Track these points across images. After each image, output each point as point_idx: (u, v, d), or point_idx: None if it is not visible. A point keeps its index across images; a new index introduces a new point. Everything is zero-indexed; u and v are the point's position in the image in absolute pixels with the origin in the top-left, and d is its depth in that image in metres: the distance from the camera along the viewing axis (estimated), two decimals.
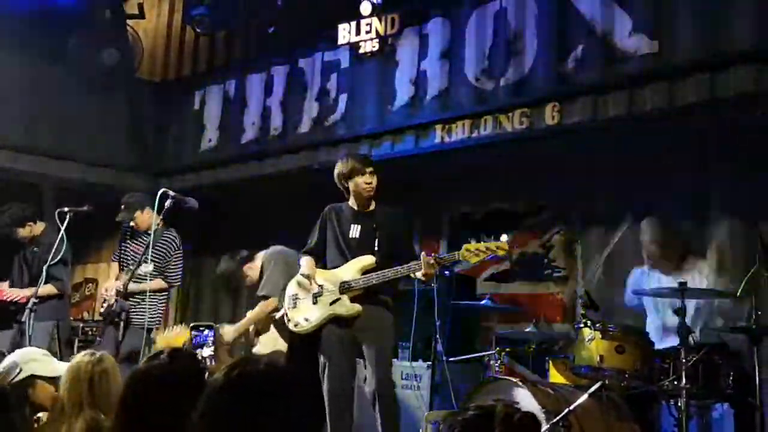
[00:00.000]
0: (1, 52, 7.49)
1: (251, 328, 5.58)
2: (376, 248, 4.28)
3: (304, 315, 4.34)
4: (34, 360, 3.15)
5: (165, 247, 5.67)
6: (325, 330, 4.28)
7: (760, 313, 3.81)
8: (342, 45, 6.77)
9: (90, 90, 8.02)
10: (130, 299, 5.28)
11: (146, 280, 5.44)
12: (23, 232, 5.93)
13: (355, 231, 4.38)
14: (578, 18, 5.31)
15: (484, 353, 5.01)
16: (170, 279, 5.78)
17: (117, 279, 5.72)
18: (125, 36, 8.36)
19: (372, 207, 4.47)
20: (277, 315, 4.76)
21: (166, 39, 9.02)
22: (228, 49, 8.35)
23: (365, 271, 4.25)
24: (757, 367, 3.80)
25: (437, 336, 5.42)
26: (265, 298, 5.34)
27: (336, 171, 4.57)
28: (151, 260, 5.36)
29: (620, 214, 5.70)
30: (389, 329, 4.41)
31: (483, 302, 5.27)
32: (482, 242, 4.03)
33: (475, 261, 4.04)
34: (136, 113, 8.43)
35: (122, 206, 5.76)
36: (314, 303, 4.31)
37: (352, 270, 4.29)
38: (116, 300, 4.98)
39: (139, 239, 5.78)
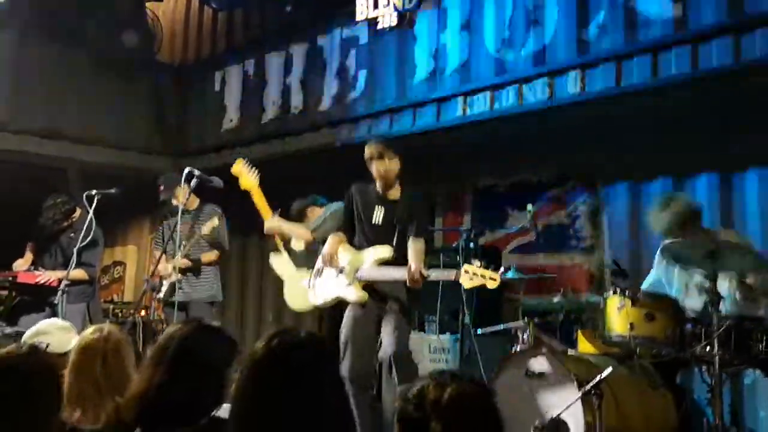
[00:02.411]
0: (23, 37, 7.55)
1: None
2: (394, 243, 4.26)
3: (321, 290, 4.44)
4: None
5: (211, 218, 5.67)
6: (348, 308, 4.34)
7: None
8: (360, 21, 6.74)
9: (111, 74, 8.08)
10: (187, 275, 5.34)
11: (203, 250, 5.51)
12: (66, 222, 5.98)
13: (378, 216, 4.34)
14: None
15: (512, 324, 4.99)
16: (223, 246, 5.82)
17: (157, 262, 5.69)
18: (144, 19, 8.39)
19: (397, 191, 4.38)
20: (303, 283, 4.79)
21: (185, 21, 9.04)
22: (246, 29, 8.35)
23: (381, 263, 4.26)
24: None
25: (464, 308, 5.44)
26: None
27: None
28: (199, 235, 5.45)
29: (646, 182, 5.65)
30: (405, 301, 4.38)
31: (509, 273, 5.23)
32: (481, 266, 3.93)
33: (467, 286, 3.92)
34: (158, 96, 8.50)
35: (161, 186, 5.80)
36: (332, 281, 4.37)
37: (369, 258, 4.31)
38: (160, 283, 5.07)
39: (183, 217, 5.81)
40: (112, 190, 5.40)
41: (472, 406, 1.81)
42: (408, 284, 4.07)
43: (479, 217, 6.83)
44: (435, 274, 4.08)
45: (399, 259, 4.18)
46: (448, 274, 4.03)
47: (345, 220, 4.53)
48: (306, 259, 5.32)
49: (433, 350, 5.79)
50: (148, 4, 8.52)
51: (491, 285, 3.89)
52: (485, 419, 1.82)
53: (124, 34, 8.05)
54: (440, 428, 1.73)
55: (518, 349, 4.73)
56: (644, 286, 4.50)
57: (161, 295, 5.46)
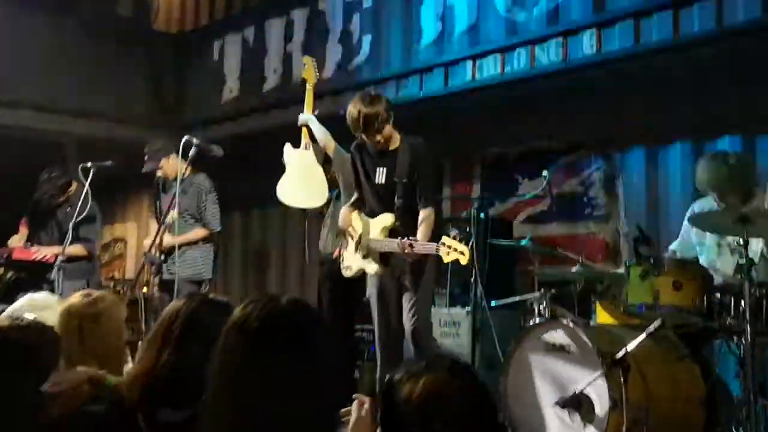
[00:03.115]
0: (14, 7, 7.29)
1: None
2: (396, 207, 4.02)
3: (348, 262, 4.22)
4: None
5: (196, 192, 5.40)
6: (368, 279, 4.14)
7: None
8: None
9: (107, 44, 7.83)
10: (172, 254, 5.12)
11: (186, 228, 5.22)
12: (62, 197, 5.76)
13: (380, 175, 4.08)
14: None
15: (527, 296, 4.79)
16: (210, 225, 5.47)
17: (155, 236, 5.49)
18: None
19: (396, 144, 4.06)
20: (336, 252, 4.60)
21: None
22: None
23: (386, 232, 4.04)
24: None
25: (476, 280, 5.25)
26: None
27: None
28: (184, 210, 5.14)
29: (664, 147, 5.43)
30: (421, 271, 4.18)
31: (522, 243, 5.03)
32: (454, 240, 3.72)
33: (446, 261, 3.74)
34: (156, 66, 8.25)
35: (146, 156, 5.53)
36: (355, 251, 4.17)
37: (377, 228, 4.10)
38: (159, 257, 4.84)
39: (172, 189, 5.59)
40: (108, 163, 5.17)
41: (453, 399, 1.60)
42: (403, 256, 3.89)
43: (489, 187, 6.61)
44: (419, 248, 3.83)
45: (407, 222, 3.96)
46: (429, 248, 3.81)
47: (355, 186, 4.30)
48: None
49: (444, 324, 5.61)
50: None
51: (463, 261, 3.69)
52: (472, 414, 1.61)
53: (119, 3, 7.80)
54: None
55: (536, 322, 4.55)
56: (673, 246, 4.29)
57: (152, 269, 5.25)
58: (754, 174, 4.20)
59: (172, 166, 5.40)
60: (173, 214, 4.88)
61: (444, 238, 3.73)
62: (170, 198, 5.15)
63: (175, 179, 5.33)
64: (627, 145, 5.73)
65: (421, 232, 3.91)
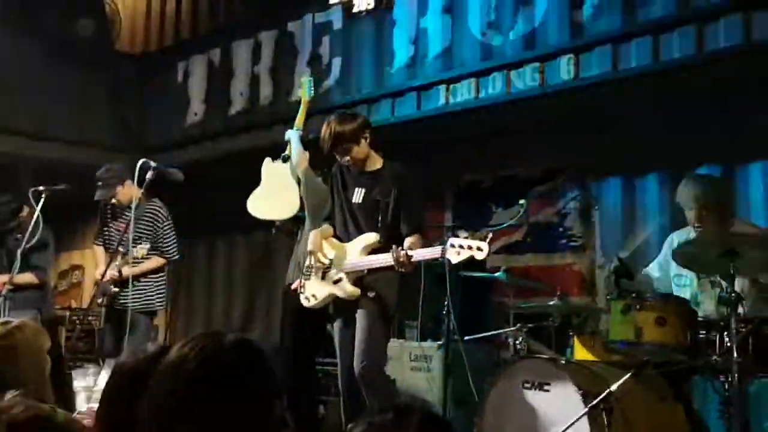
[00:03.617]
0: None
1: None
2: (379, 219, 3.77)
3: (313, 291, 3.90)
4: None
5: (151, 219, 5.11)
6: (333, 305, 3.88)
7: None
8: (333, 5, 6.33)
9: (67, 64, 7.54)
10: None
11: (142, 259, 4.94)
12: (13, 222, 5.43)
13: (358, 195, 3.85)
14: None
15: (503, 330, 4.58)
16: (166, 253, 5.19)
17: (108, 264, 5.20)
18: (101, 5, 7.87)
19: (377, 165, 3.87)
20: (294, 285, 4.31)
21: (146, 9, 8.53)
22: (212, 16, 7.87)
23: (370, 251, 3.76)
24: None
25: (449, 312, 5.04)
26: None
27: None
28: (138, 237, 4.87)
29: (643, 176, 5.29)
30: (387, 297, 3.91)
31: (497, 275, 4.83)
32: (467, 238, 3.49)
33: (455, 262, 3.46)
34: (117, 88, 7.96)
35: (99, 183, 5.23)
36: (322, 279, 3.87)
37: (356, 248, 3.81)
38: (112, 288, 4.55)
39: (124, 217, 5.30)
40: (61, 186, 4.88)
41: None
42: (397, 269, 3.57)
43: (461, 215, 6.42)
44: (419, 254, 3.57)
45: (390, 243, 3.65)
46: (433, 252, 3.56)
47: (331, 207, 4.05)
48: None
49: (415, 358, 5.37)
50: None
51: (479, 255, 3.41)
52: None
53: (79, 22, 7.53)
54: None
55: (511, 357, 4.34)
56: (651, 271, 4.11)
57: (100, 300, 4.95)
58: (731, 195, 4.06)
59: (128, 192, 5.16)
60: (141, 248, 4.63)
61: (452, 239, 3.45)
62: (123, 225, 4.94)
63: (129, 206, 5.10)
64: (604, 174, 5.58)
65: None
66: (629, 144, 5.30)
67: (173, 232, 5.26)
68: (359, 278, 3.76)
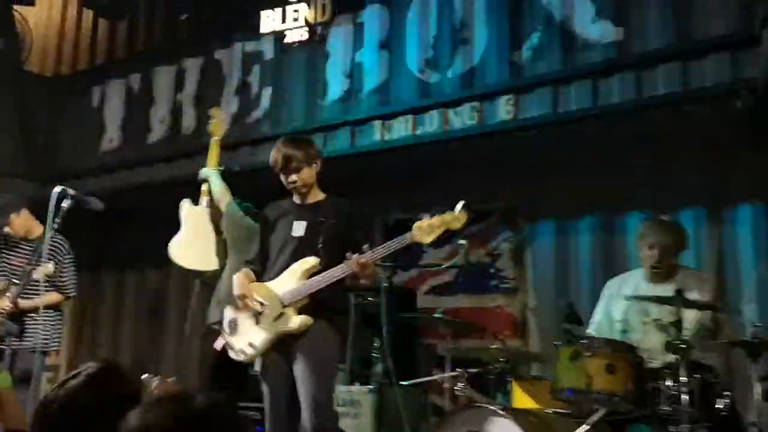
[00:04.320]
0: None
1: None
2: (320, 246, 3.54)
3: (248, 339, 3.52)
4: None
5: (52, 252, 4.71)
6: (267, 357, 3.55)
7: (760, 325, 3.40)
8: (265, 34, 6.11)
9: None
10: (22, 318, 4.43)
11: (39, 292, 4.53)
12: None
13: (299, 228, 3.59)
14: (533, 3, 4.87)
15: (442, 375, 4.40)
16: (64, 290, 4.86)
17: None
18: (11, 23, 7.39)
19: (319, 198, 3.68)
20: (218, 345, 3.95)
21: (60, 30, 8.07)
22: (130, 40, 7.51)
23: (310, 275, 3.49)
24: (755, 385, 3.37)
25: (381, 353, 4.84)
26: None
27: None
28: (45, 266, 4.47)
29: (576, 219, 5.28)
30: (330, 347, 3.65)
31: (436, 315, 4.67)
32: (434, 216, 3.35)
33: (429, 241, 3.28)
34: (25, 110, 7.45)
35: None
36: (257, 323, 3.52)
37: (292, 277, 3.50)
38: (2, 322, 4.12)
39: (19, 249, 4.89)
40: None
41: None
42: (359, 277, 3.32)
43: (390, 254, 6.24)
44: (385, 246, 3.32)
45: (331, 266, 3.40)
46: (401, 241, 3.30)
47: (259, 249, 3.75)
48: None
49: (343, 403, 5.11)
50: (16, 8, 7.52)
51: (457, 224, 3.26)
52: None
53: None
54: None
55: (452, 406, 4.15)
56: (591, 329, 4.04)
57: None
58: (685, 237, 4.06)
59: (23, 222, 4.82)
60: (47, 268, 4.24)
61: (417, 224, 3.25)
62: (17, 259, 4.76)
63: (24, 238, 4.78)
64: (537, 215, 5.55)
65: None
66: (563, 186, 5.30)
67: (74, 268, 4.95)
68: (303, 307, 3.50)
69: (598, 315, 4.10)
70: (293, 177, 3.57)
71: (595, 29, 4.60)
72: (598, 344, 3.46)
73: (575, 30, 4.68)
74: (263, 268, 3.62)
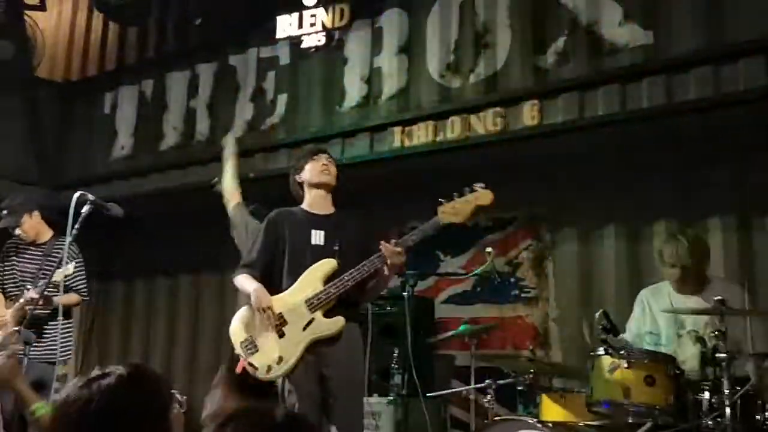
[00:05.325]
0: None
1: None
2: (339, 253, 3.42)
3: (276, 354, 3.35)
4: None
5: (67, 258, 4.62)
6: (294, 370, 3.41)
7: None
8: (281, 39, 6.03)
9: None
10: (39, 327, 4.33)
11: (58, 294, 4.37)
12: None
13: (317, 237, 3.50)
14: (559, 7, 4.78)
15: (469, 387, 4.28)
16: (81, 292, 4.77)
17: (6, 305, 4.67)
18: (22, 28, 7.31)
19: (332, 211, 3.63)
20: (240, 368, 3.80)
21: (70, 35, 7.99)
22: (142, 46, 7.42)
23: (329, 278, 3.39)
24: None
25: (401, 364, 4.74)
26: None
27: (290, 175, 3.76)
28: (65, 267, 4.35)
29: (600, 228, 5.17)
30: (361, 353, 3.57)
31: (462, 326, 4.56)
32: (458, 198, 3.29)
33: (460, 221, 3.30)
34: (35, 117, 7.35)
35: (4, 211, 4.75)
36: (282, 336, 3.38)
37: (311, 282, 3.39)
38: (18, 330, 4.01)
39: (30, 252, 4.80)
40: None
41: None
42: (390, 265, 3.29)
43: (406, 262, 6.13)
44: (417, 235, 3.35)
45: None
46: (433, 225, 3.34)
47: (262, 255, 3.55)
48: None
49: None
50: (27, 13, 7.44)
51: (485, 201, 3.30)
52: None
53: None
54: None
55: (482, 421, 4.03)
56: (627, 337, 3.93)
57: None
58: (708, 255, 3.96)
59: (34, 225, 4.73)
60: (67, 269, 4.12)
61: (441, 207, 3.30)
62: (28, 263, 4.71)
63: (33, 242, 4.69)
64: (559, 223, 5.43)
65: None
66: (588, 194, 5.19)
67: (84, 273, 4.83)
68: (331, 309, 3.38)
69: (632, 325, 4.01)
70: (327, 162, 3.62)
71: (623, 32, 4.50)
72: (636, 355, 3.36)
73: (602, 33, 4.59)
74: (264, 274, 3.49)
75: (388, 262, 3.29)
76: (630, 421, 3.33)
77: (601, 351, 3.39)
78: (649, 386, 3.27)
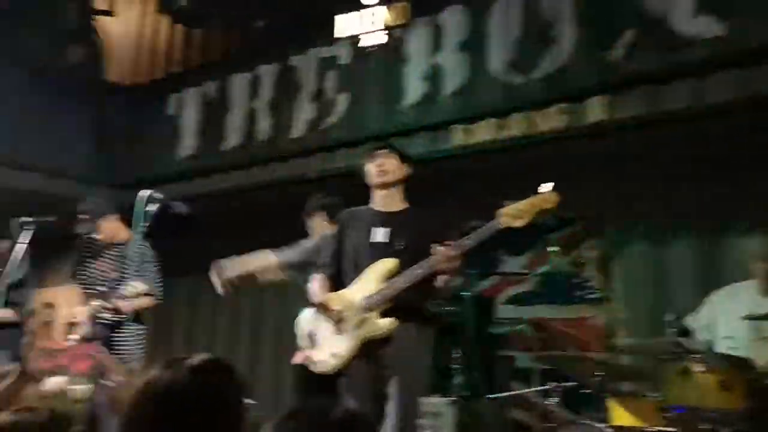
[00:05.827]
0: None
1: None
2: (401, 251, 3.36)
3: (330, 350, 3.37)
4: None
5: (140, 259, 4.68)
6: (350, 367, 3.39)
7: None
8: (341, 39, 6.02)
9: (52, 93, 7.12)
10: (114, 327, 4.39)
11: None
12: None
13: (380, 235, 3.42)
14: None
15: (535, 389, 4.19)
16: (157, 295, 4.80)
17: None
18: (91, 34, 7.51)
19: (399, 203, 3.52)
20: (296, 360, 3.79)
21: (137, 40, 8.17)
22: (206, 48, 7.53)
23: (390, 277, 3.29)
24: None
25: (463, 364, 4.67)
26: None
27: None
28: (120, 276, 4.41)
29: (672, 226, 5.00)
30: (420, 355, 3.49)
31: (520, 327, 4.48)
32: (522, 200, 3.16)
33: (520, 225, 3.15)
34: (103, 119, 7.55)
35: (81, 215, 4.82)
36: (338, 332, 3.38)
37: (371, 280, 3.35)
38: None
39: (106, 254, 4.86)
40: (50, 218, 4.42)
41: None
42: (444, 270, 3.16)
43: (467, 262, 6.06)
44: (473, 239, 3.17)
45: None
46: (490, 228, 3.18)
47: (332, 256, 3.60)
48: None
49: (423, 415, 4.94)
50: (96, 18, 7.64)
51: (549, 205, 3.16)
52: None
53: (67, 50, 7.16)
54: None
55: (534, 420, 3.94)
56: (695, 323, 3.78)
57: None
58: None
59: (112, 228, 4.76)
60: (136, 285, 4.13)
61: (502, 210, 3.15)
62: (104, 264, 4.65)
63: (113, 243, 4.74)
64: (626, 222, 5.28)
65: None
66: (656, 191, 5.03)
67: (159, 275, 4.86)
68: (387, 311, 3.34)
69: (693, 325, 3.86)
70: (384, 162, 3.44)
71: (695, 24, 4.34)
72: (711, 359, 3.22)
73: (673, 25, 4.43)
74: (335, 274, 3.48)
75: (443, 266, 3.17)
76: (705, 427, 3.19)
77: (675, 354, 3.26)
78: (725, 391, 3.13)
